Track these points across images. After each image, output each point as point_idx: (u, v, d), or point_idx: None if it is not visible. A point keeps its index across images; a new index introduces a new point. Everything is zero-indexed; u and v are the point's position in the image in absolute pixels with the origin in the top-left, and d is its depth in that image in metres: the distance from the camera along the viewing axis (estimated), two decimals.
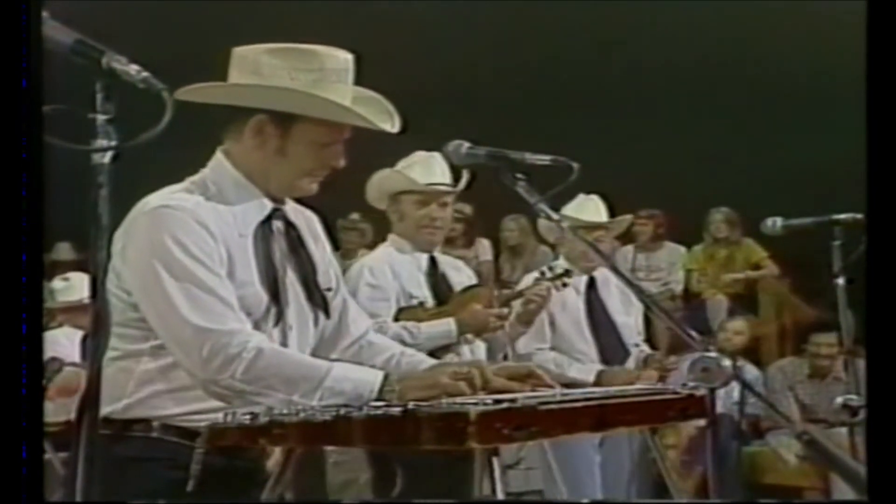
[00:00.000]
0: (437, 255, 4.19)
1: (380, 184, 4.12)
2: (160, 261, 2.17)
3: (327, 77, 2.28)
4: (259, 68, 2.29)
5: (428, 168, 4.04)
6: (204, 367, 2.13)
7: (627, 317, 4.92)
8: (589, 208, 4.78)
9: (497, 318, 4.05)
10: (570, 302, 4.77)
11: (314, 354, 2.38)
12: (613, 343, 4.81)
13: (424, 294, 4.05)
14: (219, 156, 2.38)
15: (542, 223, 5.11)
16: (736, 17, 8.65)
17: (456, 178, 4.08)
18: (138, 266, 2.20)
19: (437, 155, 4.00)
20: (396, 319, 3.96)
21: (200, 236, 2.20)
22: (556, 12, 8.71)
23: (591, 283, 4.83)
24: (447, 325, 3.94)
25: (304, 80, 2.26)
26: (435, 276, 4.11)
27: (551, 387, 2.30)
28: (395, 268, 4.03)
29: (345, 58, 2.34)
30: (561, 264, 4.61)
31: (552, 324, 4.73)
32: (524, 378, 2.31)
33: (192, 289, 2.15)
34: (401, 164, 4.11)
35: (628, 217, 5.15)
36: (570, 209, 4.69)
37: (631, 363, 4.88)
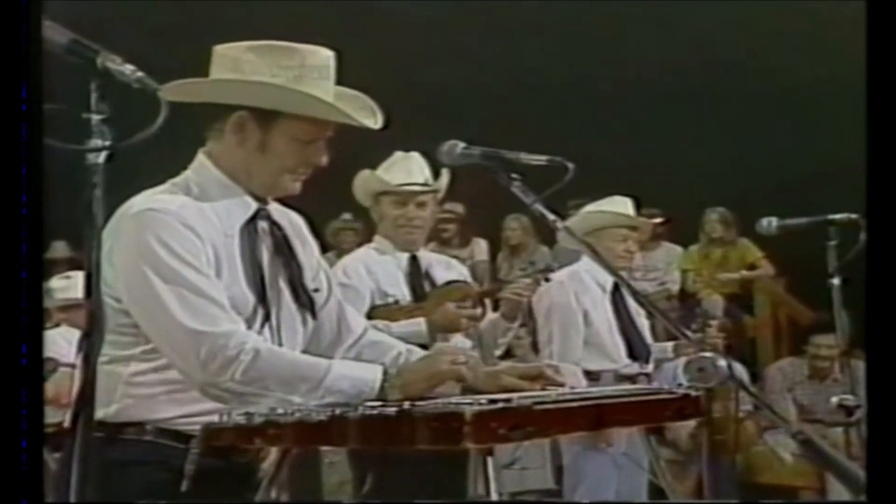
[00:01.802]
0: (421, 253, 4.19)
1: (360, 184, 4.17)
2: (149, 264, 2.15)
3: (308, 74, 2.27)
4: (240, 66, 2.28)
5: (405, 168, 4.06)
6: (202, 370, 2.12)
7: (639, 317, 4.95)
8: (619, 206, 4.82)
9: (469, 319, 4.01)
10: (598, 301, 4.81)
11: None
12: (638, 341, 4.86)
13: (402, 292, 4.03)
14: (201, 157, 2.36)
15: (560, 235, 5.12)
16: (733, 17, 8.65)
17: (437, 177, 4.09)
18: (126, 270, 2.18)
19: (415, 155, 4.04)
20: (369, 318, 3.93)
21: (187, 238, 2.18)
22: (554, 12, 8.71)
23: (616, 284, 4.84)
24: (417, 325, 3.90)
25: (284, 76, 2.26)
26: (415, 275, 4.10)
27: (562, 385, 2.31)
28: (371, 267, 4.04)
29: (326, 55, 2.33)
30: (570, 272, 4.62)
31: (586, 318, 4.75)
32: (535, 378, 2.32)
33: (182, 291, 2.14)
34: (382, 165, 4.13)
35: (658, 218, 5.18)
36: (602, 205, 4.75)
37: (651, 363, 4.91)
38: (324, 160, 2.36)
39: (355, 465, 4.00)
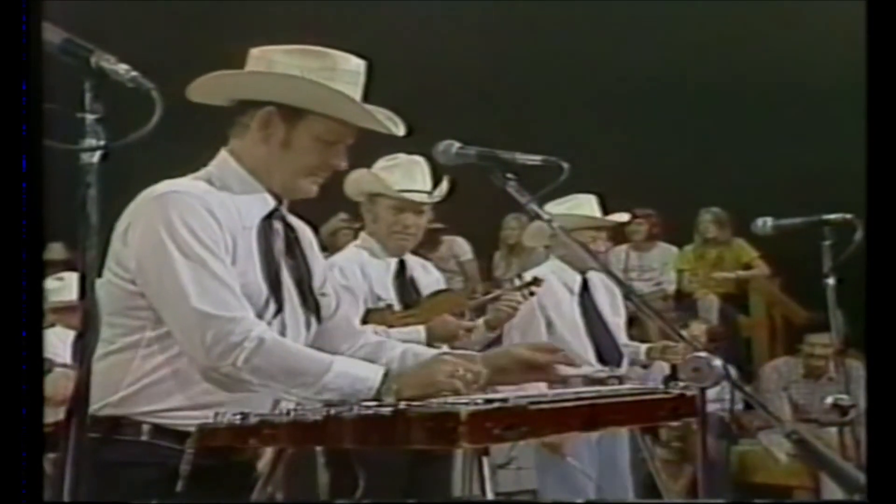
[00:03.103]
0: (406, 257, 4.13)
1: (356, 183, 4.04)
2: (171, 240, 2.17)
3: (340, 77, 2.30)
4: (272, 67, 2.32)
5: (408, 174, 3.97)
6: (206, 353, 2.13)
7: (616, 317, 4.91)
8: (584, 207, 4.77)
9: (466, 331, 4.02)
10: (565, 303, 4.74)
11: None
12: (608, 344, 4.79)
13: (391, 297, 3.99)
14: (223, 154, 2.39)
15: (529, 229, 5.08)
16: (730, 16, 8.66)
17: (437, 183, 4.02)
18: (145, 245, 2.19)
19: (419, 160, 3.95)
20: (364, 321, 3.89)
21: (208, 222, 2.21)
22: (552, 13, 8.72)
23: (585, 285, 4.81)
24: (417, 333, 3.88)
25: (317, 77, 2.28)
26: (402, 280, 4.06)
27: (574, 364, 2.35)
28: (364, 269, 3.98)
29: (357, 62, 2.37)
30: (532, 273, 4.58)
31: (549, 325, 4.70)
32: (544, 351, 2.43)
33: (199, 272, 2.15)
34: (381, 164, 4.03)
35: (625, 215, 5.11)
36: (566, 207, 4.68)
37: (625, 364, 4.87)
38: (343, 165, 2.39)
39: (340, 466, 3.97)
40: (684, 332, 2.29)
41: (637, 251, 8.65)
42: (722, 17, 8.66)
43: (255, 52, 2.38)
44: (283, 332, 2.32)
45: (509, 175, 2.24)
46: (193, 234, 2.18)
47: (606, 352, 4.76)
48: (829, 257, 3.66)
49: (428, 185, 4.01)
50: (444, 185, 3.99)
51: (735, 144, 9.15)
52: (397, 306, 3.99)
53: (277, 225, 2.39)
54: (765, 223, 3.86)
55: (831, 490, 5.31)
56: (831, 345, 5.90)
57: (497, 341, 4.61)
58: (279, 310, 2.31)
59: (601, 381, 4.60)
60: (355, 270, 3.95)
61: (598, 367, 4.68)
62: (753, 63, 8.81)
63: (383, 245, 4.03)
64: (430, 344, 3.86)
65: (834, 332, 3.83)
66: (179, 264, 2.15)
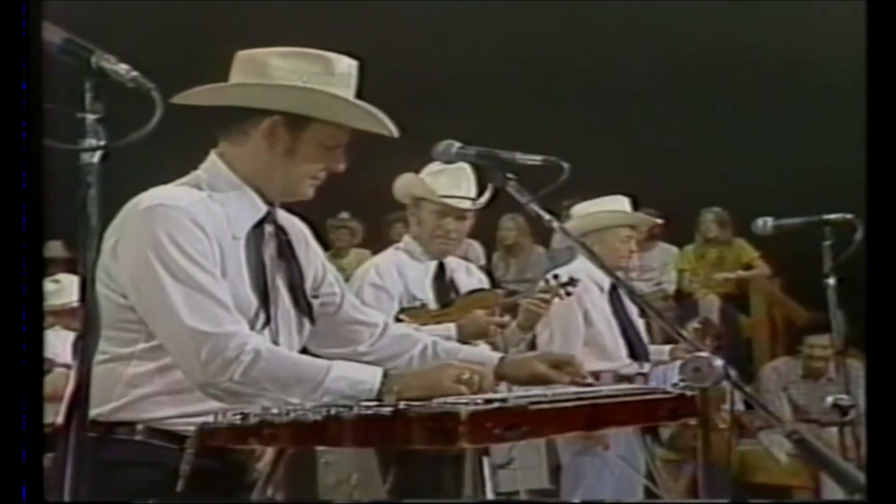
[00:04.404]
0: (447, 259, 4.21)
1: (403, 186, 4.15)
2: (158, 259, 2.14)
3: (337, 81, 2.29)
4: (267, 71, 2.28)
5: (454, 180, 4.02)
6: (202, 370, 2.12)
7: (639, 318, 4.95)
8: (625, 206, 4.82)
9: (497, 326, 4.07)
10: (597, 300, 4.80)
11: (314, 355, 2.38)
12: (637, 340, 4.85)
13: (428, 297, 4.07)
14: (213, 157, 2.36)
15: (556, 236, 5.13)
16: (731, 15, 8.66)
17: (482, 190, 4.07)
18: (133, 265, 2.17)
19: (466, 167, 3.98)
20: (398, 320, 3.96)
21: (195, 236, 2.18)
22: (552, 12, 8.71)
23: (613, 283, 4.83)
24: (447, 331, 3.93)
25: (315, 84, 2.27)
26: (441, 281, 4.14)
27: (585, 378, 2.41)
28: (402, 269, 4.07)
29: (349, 63, 2.35)
30: (567, 272, 4.61)
31: (586, 319, 4.74)
32: (565, 365, 2.41)
33: (188, 290, 2.13)
34: (428, 170, 4.09)
35: (657, 220, 5.18)
36: (607, 204, 4.73)
37: (650, 363, 4.91)
38: (342, 166, 2.38)
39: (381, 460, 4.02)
40: (685, 333, 2.29)
41: (637, 251, 8.63)
42: (722, 16, 8.66)
43: (243, 54, 2.34)
44: (275, 338, 2.31)
45: (509, 175, 2.24)
46: (181, 251, 2.15)
47: (637, 348, 4.83)
48: (829, 257, 3.66)
49: (472, 192, 4.07)
50: (488, 193, 4.03)
51: (735, 144, 9.15)
52: (433, 306, 4.06)
53: (269, 229, 2.36)
54: (765, 223, 3.87)
55: (832, 490, 5.32)
56: (831, 346, 5.92)
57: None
58: (268, 320, 2.29)
59: (629, 378, 4.65)
60: (391, 271, 4.04)
61: (628, 361, 4.73)
62: (754, 63, 8.81)
63: (425, 248, 4.12)
64: (461, 340, 3.91)
65: (835, 333, 3.83)
66: (168, 284, 2.13)
